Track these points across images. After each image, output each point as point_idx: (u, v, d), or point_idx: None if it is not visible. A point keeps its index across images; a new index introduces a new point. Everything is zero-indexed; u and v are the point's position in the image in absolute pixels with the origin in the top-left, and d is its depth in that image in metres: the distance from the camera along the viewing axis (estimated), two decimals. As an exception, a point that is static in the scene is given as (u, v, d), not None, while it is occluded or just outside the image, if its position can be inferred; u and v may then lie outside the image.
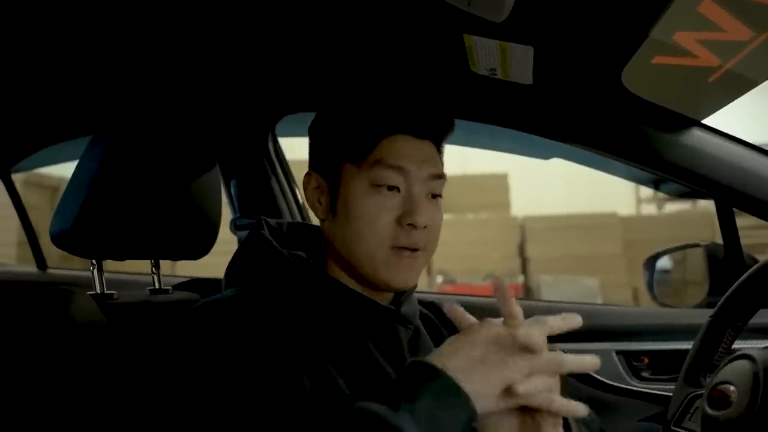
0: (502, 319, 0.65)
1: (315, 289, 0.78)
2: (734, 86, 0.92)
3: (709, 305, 1.24)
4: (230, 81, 1.40)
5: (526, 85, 1.09)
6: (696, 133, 1.12)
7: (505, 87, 1.11)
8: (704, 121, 1.12)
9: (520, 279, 4.55)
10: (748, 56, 0.81)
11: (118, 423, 0.86)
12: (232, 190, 1.58)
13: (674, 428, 0.96)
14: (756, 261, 1.11)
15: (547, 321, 0.64)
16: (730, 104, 1.00)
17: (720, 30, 0.75)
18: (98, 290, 1.01)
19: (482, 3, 0.77)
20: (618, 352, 1.29)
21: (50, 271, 2.06)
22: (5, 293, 0.91)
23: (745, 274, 0.95)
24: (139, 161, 1.02)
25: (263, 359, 0.69)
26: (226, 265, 0.85)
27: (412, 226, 0.76)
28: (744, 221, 1.21)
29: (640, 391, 1.25)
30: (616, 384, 1.26)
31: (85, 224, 0.96)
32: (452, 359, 0.61)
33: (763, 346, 0.89)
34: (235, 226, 1.58)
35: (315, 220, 0.87)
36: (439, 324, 0.91)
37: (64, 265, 2.49)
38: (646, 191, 5.49)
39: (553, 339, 0.64)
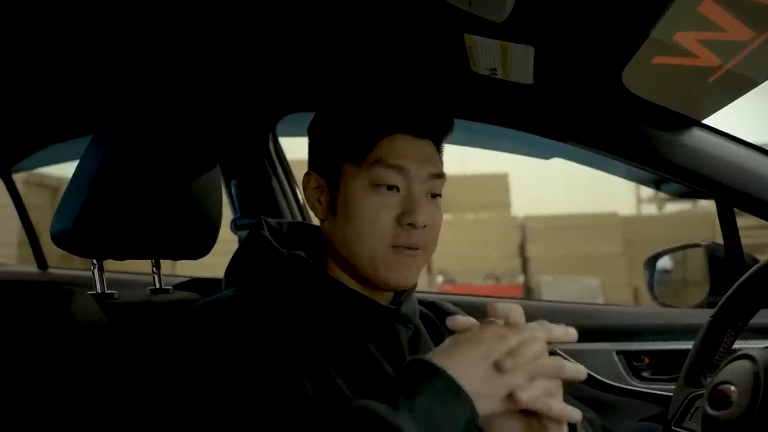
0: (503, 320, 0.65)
1: (314, 288, 0.78)
2: (735, 86, 0.92)
3: (710, 305, 1.24)
4: (231, 81, 1.40)
5: (526, 84, 1.09)
6: (696, 133, 1.12)
7: (506, 87, 1.11)
8: (705, 121, 1.12)
9: (521, 279, 4.55)
10: (748, 56, 0.81)
11: (118, 423, 0.86)
12: (233, 189, 1.58)
13: (675, 428, 0.96)
14: (756, 261, 1.10)
15: (552, 328, 0.64)
16: (731, 104, 1.00)
17: (720, 30, 0.75)
18: (99, 290, 1.01)
19: (483, 3, 0.77)
20: (618, 352, 1.29)
21: (51, 270, 2.06)
22: (6, 293, 0.91)
23: (746, 274, 0.95)
24: (140, 161, 1.02)
25: (262, 359, 0.69)
26: (227, 264, 0.85)
27: (412, 225, 0.76)
28: (744, 221, 1.21)
29: (641, 391, 1.25)
30: (616, 384, 1.26)
31: (86, 224, 0.96)
32: (453, 358, 0.61)
33: (763, 346, 0.89)
34: (235, 226, 1.58)
35: (316, 220, 0.87)
36: (439, 323, 0.91)
37: (64, 264, 2.49)
38: (647, 191, 5.48)
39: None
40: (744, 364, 0.85)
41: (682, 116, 1.09)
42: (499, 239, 4.60)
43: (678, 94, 1.02)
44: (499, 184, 4.83)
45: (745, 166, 1.10)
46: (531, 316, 0.67)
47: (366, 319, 0.79)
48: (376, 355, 0.77)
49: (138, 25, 1.12)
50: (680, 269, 1.47)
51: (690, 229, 4.29)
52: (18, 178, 2.06)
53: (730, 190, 1.10)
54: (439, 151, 0.84)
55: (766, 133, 3.52)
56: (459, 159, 4.40)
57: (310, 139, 0.86)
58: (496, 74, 1.07)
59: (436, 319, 0.92)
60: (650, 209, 5.70)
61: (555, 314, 1.39)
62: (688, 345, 1.02)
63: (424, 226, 0.77)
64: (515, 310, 0.64)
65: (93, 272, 1.02)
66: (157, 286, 1.13)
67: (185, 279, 1.22)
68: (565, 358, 0.69)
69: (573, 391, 0.65)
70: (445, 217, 0.84)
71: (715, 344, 0.96)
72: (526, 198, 4.92)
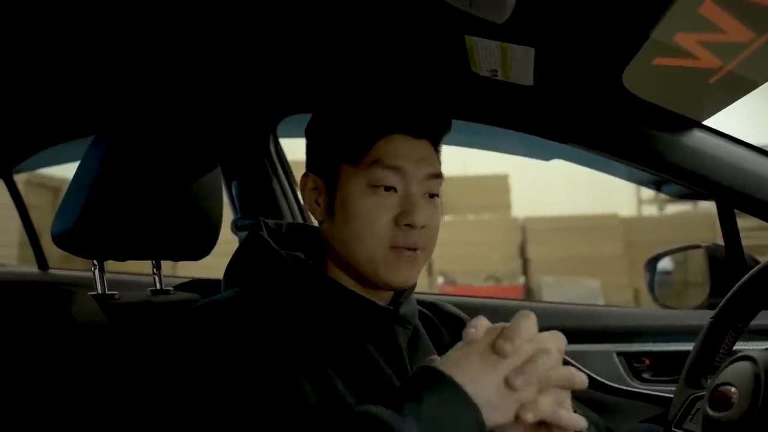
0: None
1: (313, 289, 0.78)
2: (735, 87, 0.92)
3: (710, 306, 1.24)
4: (232, 82, 1.40)
5: (527, 86, 1.09)
6: (697, 135, 1.12)
7: (506, 88, 1.11)
8: (705, 122, 1.12)
9: (521, 280, 4.55)
10: (748, 58, 0.81)
11: (118, 423, 0.86)
12: (234, 190, 1.59)
13: (675, 430, 0.96)
14: (757, 262, 1.10)
15: (563, 341, 0.64)
16: (731, 105, 1.00)
17: (721, 31, 0.75)
18: (99, 291, 1.01)
19: (483, 4, 0.77)
20: (619, 354, 1.29)
21: (51, 271, 2.06)
22: (6, 293, 0.91)
23: (746, 276, 0.95)
24: (141, 162, 1.02)
25: (261, 360, 0.69)
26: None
27: (410, 226, 0.76)
28: (745, 222, 1.21)
29: (641, 393, 1.25)
30: (617, 385, 1.26)
31: (87, 225, 0.97)
32: (462, 368, 0.60)
33: (764, 347, 0.89)
34: (236, 227, 1.58)
35: (316, 221, 0.87)
36: (438, 324, 0.91)
37: (65, 265, 2.50)
38: (647, 192, 5.49)
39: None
40: (744, 365, 0.85)
41: (683, 117, 1.09)
42: (500, 240, 4.60)
43: (678, 95, 1.02)
44: (499, 185, 4.83)
45: (745, 167, 1.10)
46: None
47: (364, 320, 0.79)
48: (375, 356, 0.77)
49: (139, 27, 1.12)
50: (681, 270, 1.47)
51: (690, 230, 4.29)
52: (19, 178, 2.07)
53: (730, 191, 1.10)
54: (437, 151, 0.84)
55: (766, 134, 3.51)
56: (460, 160, 4.41)
57: (307, 140, 0.86)
58: (496, 75, 1.07)
59: (435, 320, 0.92)
60: (651, 210, 5.70)
61: (555, 316, 1.39)
62: (688, 346, 1.01)
63: (423, 227, 0.77)
64: (530, 320, 0.62)
65: (94, 273, 1.02)
66: (158, 286, 1.13)
67: (186, 280, 1.22)
68: (569, 362, 0.69)
69: (574, 393, 0.65)
70: (446, 218, 0.84)
71: (715, 345, 0.96)
72: (527, 199, 4.92)
